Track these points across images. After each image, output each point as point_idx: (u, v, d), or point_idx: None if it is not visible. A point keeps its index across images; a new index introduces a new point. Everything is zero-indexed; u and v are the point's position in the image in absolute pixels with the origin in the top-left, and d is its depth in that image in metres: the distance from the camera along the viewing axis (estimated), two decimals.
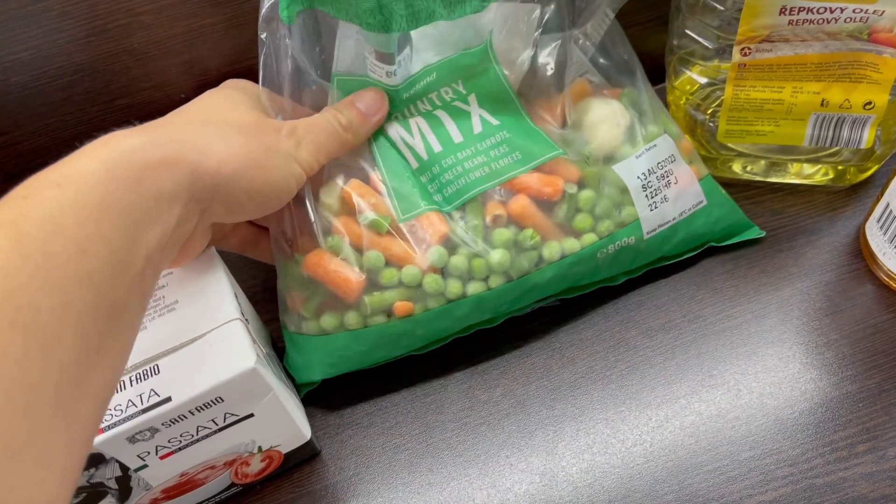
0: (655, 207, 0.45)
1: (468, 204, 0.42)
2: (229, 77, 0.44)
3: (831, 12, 0.41)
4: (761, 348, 0.45)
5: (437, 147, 0.42)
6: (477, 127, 0.43)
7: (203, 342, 0.36)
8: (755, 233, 0.49)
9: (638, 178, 0.44)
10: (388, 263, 0.41)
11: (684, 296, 0.48)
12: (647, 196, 0.44)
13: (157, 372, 0.35)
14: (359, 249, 0.41)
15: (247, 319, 0.39)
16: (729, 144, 0.50)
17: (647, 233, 0.45)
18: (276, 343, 0.48)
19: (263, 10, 0.36)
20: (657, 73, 0.54)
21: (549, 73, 0.45)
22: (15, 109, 0.40)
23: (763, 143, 0.49)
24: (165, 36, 0.41)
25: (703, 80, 0.48)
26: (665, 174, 0.45)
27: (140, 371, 0.36)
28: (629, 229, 0.44)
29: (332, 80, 0.40)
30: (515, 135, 0.43)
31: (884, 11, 0.40)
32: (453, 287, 0.41)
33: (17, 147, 0.42)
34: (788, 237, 0.50)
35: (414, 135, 0.42)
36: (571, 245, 0.43)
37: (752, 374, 0.44)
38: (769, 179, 0.52)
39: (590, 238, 0.43)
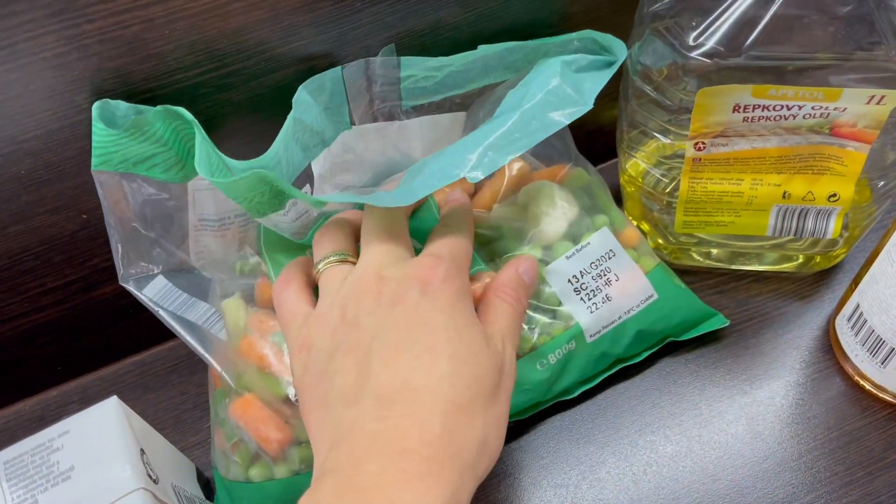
0: (596, 309, 0.42)
1: None
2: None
3: (788, 109, 0.38)
4: (729, 463, 0.42)
5: None
6: None
7: None
8: (719, 322, 0.46)
9: (569, 281, 0.41)
10: None
11: (645, 403, 0.44)
12: (582, 299, 0.41)
13: None
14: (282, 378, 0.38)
15: (156, 479, 0.35)
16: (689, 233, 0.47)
17: (591, 336, 0.42)
18: (203, 474, 0.43)
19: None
20: (611, 149, 0.50)
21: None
22: None
23: (724, 232, 0.46)
24: (57, 160, 0.37)
25: (653, 169, 0.45)
26: (603, 272, 0.42)
27: None
28: (567, 335, 0.41)
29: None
30: None
31: (846, 108, 0.37)
32: None
33: None
34: (755, 331, 0.47)
35: None
36: None
37: (721, 495, 0.40)
38: (733, 267, 0.48)
39: (521, 351, 0.40)
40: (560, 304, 0.42)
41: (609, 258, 0.43)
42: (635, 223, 0.49)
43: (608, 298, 0.42)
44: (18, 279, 0.41)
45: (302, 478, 0.38)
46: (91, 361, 0.48)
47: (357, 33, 0.38)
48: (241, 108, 0.39)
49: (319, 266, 0.34)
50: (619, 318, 0.43)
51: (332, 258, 0.34)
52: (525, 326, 0.41)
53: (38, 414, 0.47)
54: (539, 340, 0.41)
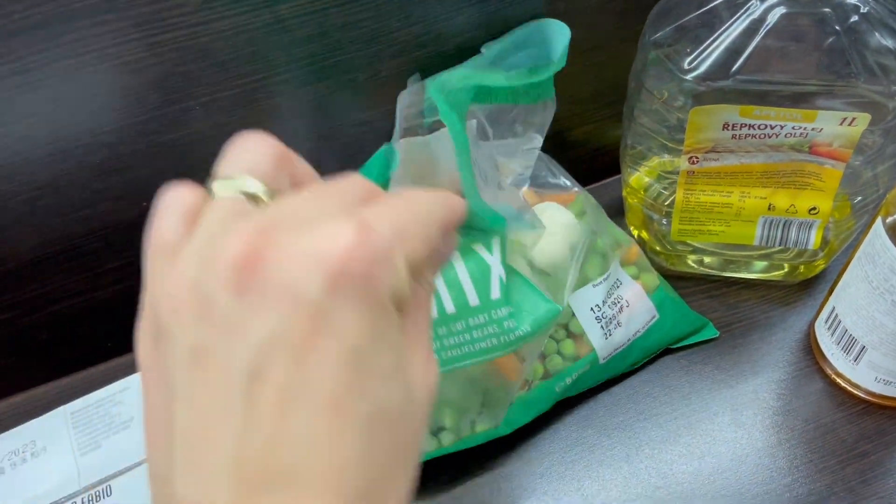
0: (610, 335, 0.46)
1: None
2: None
3: (772, 128, 0.43)
4: (714, 448, 0.46)
5: (449, 307, 0.37)
6: (495, 291, 0.37)
7: None
8: (710, 332, 0.50)
9: (591, 309, 0.45)
10: None
11: (640, 393, 0.49)
12: (601, 327, 0.45)
13: (109, 493, 0.36)
14: None
15: None
16: (684, 241, 0.52)
17: (603, 359, 0.46)
18: None
19: None
20: (615, 165, 0.55)
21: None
22: None
23: (715, 241, 0.50)
24: (127, 152, 0.42)
25: (655, 183, 0.50)
26: (616, 300, 0.46)
27: (93, 492, 0.36)
28: (585, 360, 0.45)
29: None
30: (522, 302, 0.39)
31: (822, 129, 0.42)
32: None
33: None
34: (742, 332, 0.51)
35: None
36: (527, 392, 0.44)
37: (705, 476, 0.45)
38: (725, 274, 0.53)
39: (541, 376, 0.44)
40: (583, 331, 0.45)
41: (618, 286, 0.46)
42: (636, 232, 0.54)
43: (619, 324, 0.46)
44: (83, 258, 0.46)
45: None
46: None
47: (393, 50, 0.44)
48: (290, 112, 0.44)
49: (215, 186, 0.21)
50: (628, 340, 0.47)
51: (237, 183, 0.21)
52: (546, 355, 0.44)
53: (87, 388, 0.52)
54: (559, 365, 0.45)
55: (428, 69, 0.45)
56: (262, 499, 0.17)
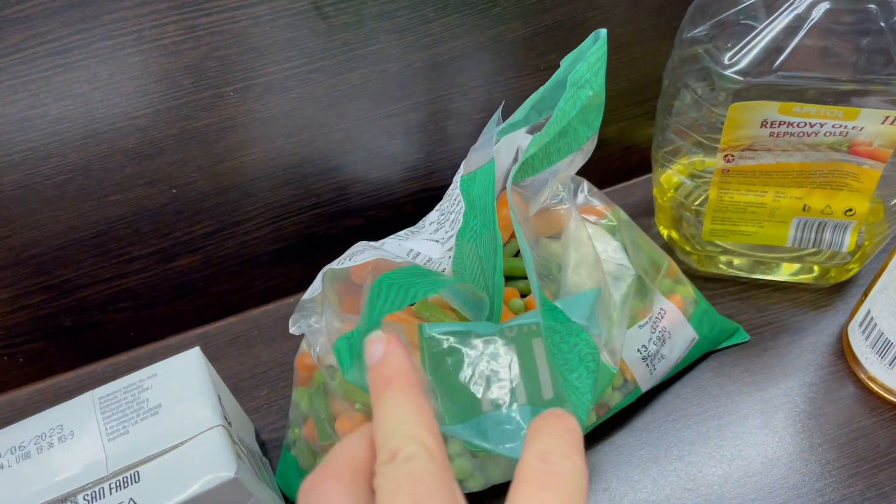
0: (654, 370, 0.45)
1: None
2: (220, 171, 0.44)
3: (811, 126, 0.42)
4: (745, 451, 0.45)
5: (521, 399, 0.34)
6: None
7: (184, 449, 0.36)
8: (741, 337, 0.50)
9: (638, 350, 0.44)
10: None
11: (670, 393, 0.48)
12: (646, 364, 0.44)
13: (137, 480, 0.35)
14: None
15: (229, 423, 0.39)
16: (715, 241, 0.51)
17: (646, 390, 0.45)
18: (259, 435, 0.47)
19: None
20: (645, 164, 0.55)
21: None
22: (7, 206, 0.41)
23: (747, 242, 0.50)
24: (160, 137, 0.42)
25: (687, 180, 0.49)
26: (661, 335, 0.45)
27: (120, 478, 0.35)
28: (629, 398, 0.45)
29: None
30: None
31: (863, 128, 0.41)
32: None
33: (7, 241, 0.43)
34: (773, 335, 0.50)
35: (503, 373, 0.33)
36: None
37: (735, 479, 0.44)
38: (754, 276, 0.52)
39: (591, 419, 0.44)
40: (629, 370, 0.44)
41: (661, 317, 0.45)
42: (665, 232, 0.54)
43: (662, 357, 0.45)
44: (111, 245, 0.46)
45: None
46: (160, 330, 0.53)
47: (428, 41, 0.43)
48: (321, 102, 0.44)
49: (383, 461, 0.20)
50: (670, 366, 0.46)
51: (411, 447, 0.20)
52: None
53: (110, 377, 0.52)
54: (608, 410, 0.44)
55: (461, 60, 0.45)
56: None
